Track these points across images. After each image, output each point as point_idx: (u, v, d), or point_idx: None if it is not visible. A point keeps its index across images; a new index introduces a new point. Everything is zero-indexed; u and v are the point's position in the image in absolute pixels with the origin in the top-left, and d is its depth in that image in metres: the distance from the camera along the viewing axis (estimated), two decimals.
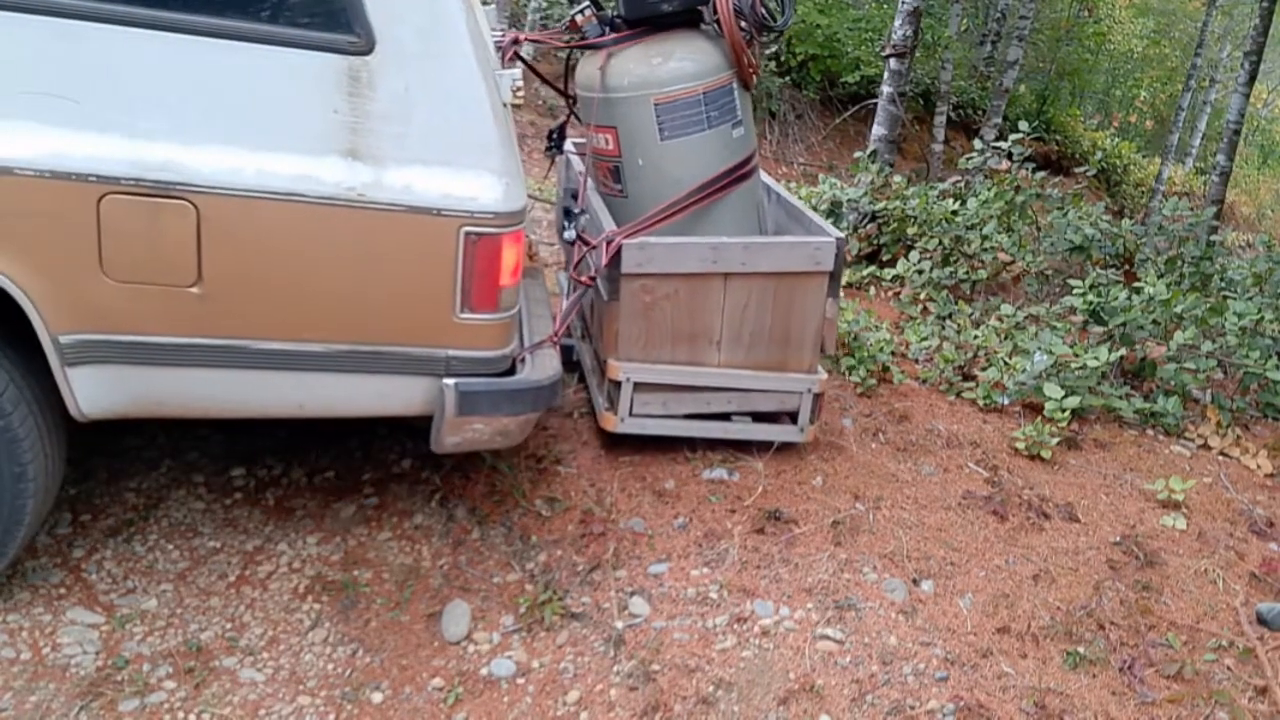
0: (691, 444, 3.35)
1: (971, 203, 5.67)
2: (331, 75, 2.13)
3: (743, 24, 3.15)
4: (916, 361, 4.53)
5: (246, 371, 2.25)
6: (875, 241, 5.90)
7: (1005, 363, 4.23)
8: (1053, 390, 3.93)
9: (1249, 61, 7.77)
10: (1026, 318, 4.79)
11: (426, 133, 2.19)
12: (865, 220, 5.96)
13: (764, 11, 3.16)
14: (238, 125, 2.12)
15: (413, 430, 3.18)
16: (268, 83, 2.13)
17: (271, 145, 2.13)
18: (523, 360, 2.49)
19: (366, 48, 2.13)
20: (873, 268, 5.70)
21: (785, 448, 3.40)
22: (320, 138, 2.15)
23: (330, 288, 2.23)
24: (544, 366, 2.46)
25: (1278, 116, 14.43)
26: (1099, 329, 4.51)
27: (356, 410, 2.43)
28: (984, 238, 5.45)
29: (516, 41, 3.08)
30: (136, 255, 2.11)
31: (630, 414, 3.16)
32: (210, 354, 2.21)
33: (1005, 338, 4.54)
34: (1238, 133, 8.06)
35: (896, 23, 6.74)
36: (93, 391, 2.19)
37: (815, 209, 5.93)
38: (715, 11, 3.16)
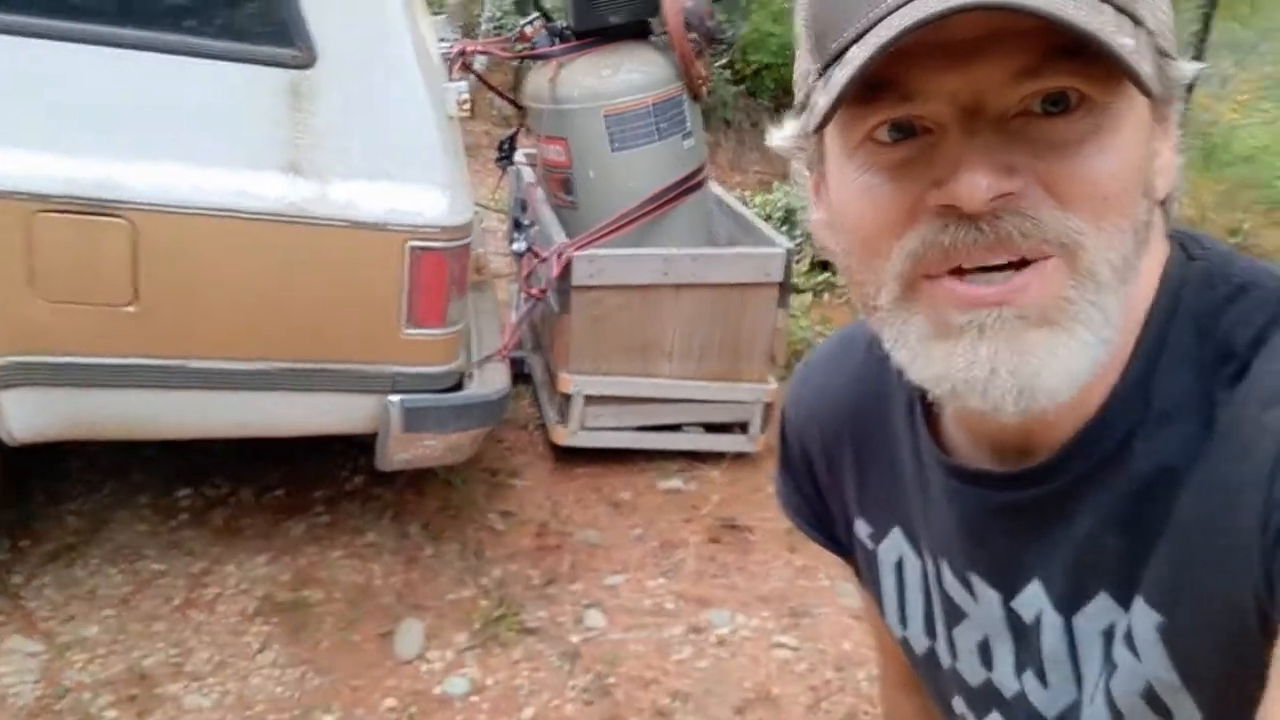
0: (648, 454, 3.34)
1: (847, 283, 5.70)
2: (272, 89, 2.10)
3: (692, 36, 3.16)
4: None
5: (185, 392, 2.21)
6: None
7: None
8: None
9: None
10: None
11: (370, 146, 2.17)
12: None
13: (713, 24, 3.17)
14: (176, 140, 2.09)
15: (365, 446, 3.14)
16: (206, 97, 2.10)
17: (211, 160, 2.10)
18: (471, 375, 2.47)
19: (308, 61, 2.10)
20: (827, 274, 5.73)
21: (741, 456, 3.40)
22: (261, 152, 2.12)
23: (272, 305, 2.20)
24: (492, 381, 2.45)
25: (1218, 121, 14.82)
26: None
27: (300, 429, 2.40)
28: None
29: (464, 53, 3.07)
30: (70, 274, 2.06)
31: (582, 427, 3.15)
32: (147, 375, 2.17)
33: None
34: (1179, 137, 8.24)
35: None
36: (25, 415, 2.14)
37: (770, 217, 5.96)
38: (664, 24, 3.17)
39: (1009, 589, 0.71)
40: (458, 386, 2.43)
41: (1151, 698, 0.62)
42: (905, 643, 0.84)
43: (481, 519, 2.97)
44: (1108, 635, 0.66)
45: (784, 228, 5.88)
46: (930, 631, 0.80)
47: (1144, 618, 0.62)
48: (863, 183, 0.59)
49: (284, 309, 2.21)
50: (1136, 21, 0.54)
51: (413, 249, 2.20)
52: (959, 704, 0.80)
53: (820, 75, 0.56)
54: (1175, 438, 0.61)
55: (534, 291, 3.04)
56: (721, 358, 3.22)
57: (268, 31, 2.10)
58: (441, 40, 3.30)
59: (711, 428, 3.35)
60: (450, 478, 3.09)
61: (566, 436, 3.17)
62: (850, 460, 0.84)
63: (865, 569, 0.86)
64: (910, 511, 0.79)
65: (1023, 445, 0.67)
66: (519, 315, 3.04)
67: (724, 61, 8.76)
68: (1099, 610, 0.66)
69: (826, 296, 5.57)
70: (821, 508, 0.90)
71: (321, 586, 2.63)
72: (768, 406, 3.31)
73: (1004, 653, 0.73)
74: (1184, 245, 0.66)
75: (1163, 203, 0.64)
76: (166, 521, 2.80)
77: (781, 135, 0.67)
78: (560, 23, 3.23)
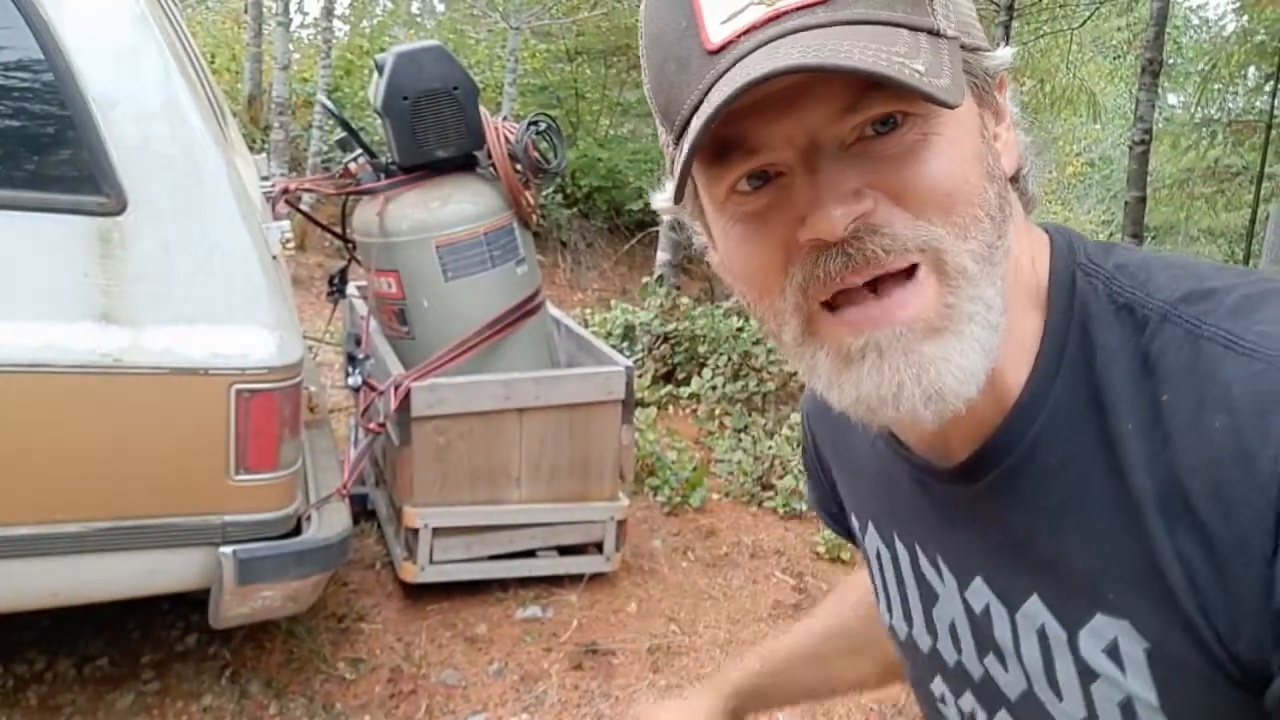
0: (503, 583, 3.26)
1: (754, 319, 5.93)
2: (80, 238, 2.03)
3: (518, 167, 3.24)
4: (718, 476, 4.64)
5: None
6: (670, 361, 6.06)
7: (800, 470, 4.39)
8: None
9: None
10: None
11: (189, 291, 2.11)
12: (658, 341, 6.13)
13: (537, 155, 3.26)
14: None
15: (198, 602, 2.95)
16: (9, 249, 2.00)
17: (13, 314, 1.99)
18: (309, 517, 2.37)
19: (117, 208, 2.04)
20: (669, 387, 5.84)
21: (598, 576, 3.37)
22: (70, 303, 2.03)
23: (88, 461, 2.07)
24: (332, 522, 2.36)
25: None
26: None
27: (121, 592, 2.24)
28: (769, 351, 5.70)
29: (287, 191, 3.04)
30: None
31: (431, 561, 3.06)
32: None
33: (798, 445, 4.72)
34: None
35: None
36: None
37: (610, 334, 6.06)
38: (490, 156, 3.24)
39: (962, 579, 0.75)
40: (296, 531, 2.33)
41: (1130, 713, 0.64)
42: (891, 630, 0.88)
43: (329, 669, 2.81)
44: (1041, 635, 0.68)
45: (624, 344, 5.99)
46: (908, 617, 0.84)
47: (1128, 638, 0.63)
48: (737, 232, 0.64)
49: (101, 465, 2.09)
50: (935, 33, 0.59)
51: (239, 392, 2.13)
52: (939, 685, 0.82)
53: (675, 145, 0.62)
54: (1093, 438, 0.64)
55: (372, 426, 2.97)
56: (570, 479, 3.21)
57: (74, 179, 2.04)
58: (264, 178, 3.27)
59: (566, 550, 3.31)
60: (293, 628, 2.92)
61: (415, 573, 3.06)
62: (836, 460, 0.92)
63: (863, 557, 0.92)
64: (880, 503, 0.85)
65: (955, 444, 0.71)
66: (358, 451, 2.96)
67: (555, 187, 8.99)
68: (1034, 611, 0.69)
69: (671, 409, 5.67)
70: (837, 501, 0.96)
71: None
72: (620, 524, 3.31)
73: (967, 637, 0.77)
74: (1071, 246, 0.70)
75: (1015, 180, 0.69)
76: None
77: (660, 198, 0.70)
78: (384, 158, 3.25)
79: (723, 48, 0.58)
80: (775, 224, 0.62)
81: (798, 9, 0.57)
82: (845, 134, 0.59)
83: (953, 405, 0.61)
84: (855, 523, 0.91)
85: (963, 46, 0.62)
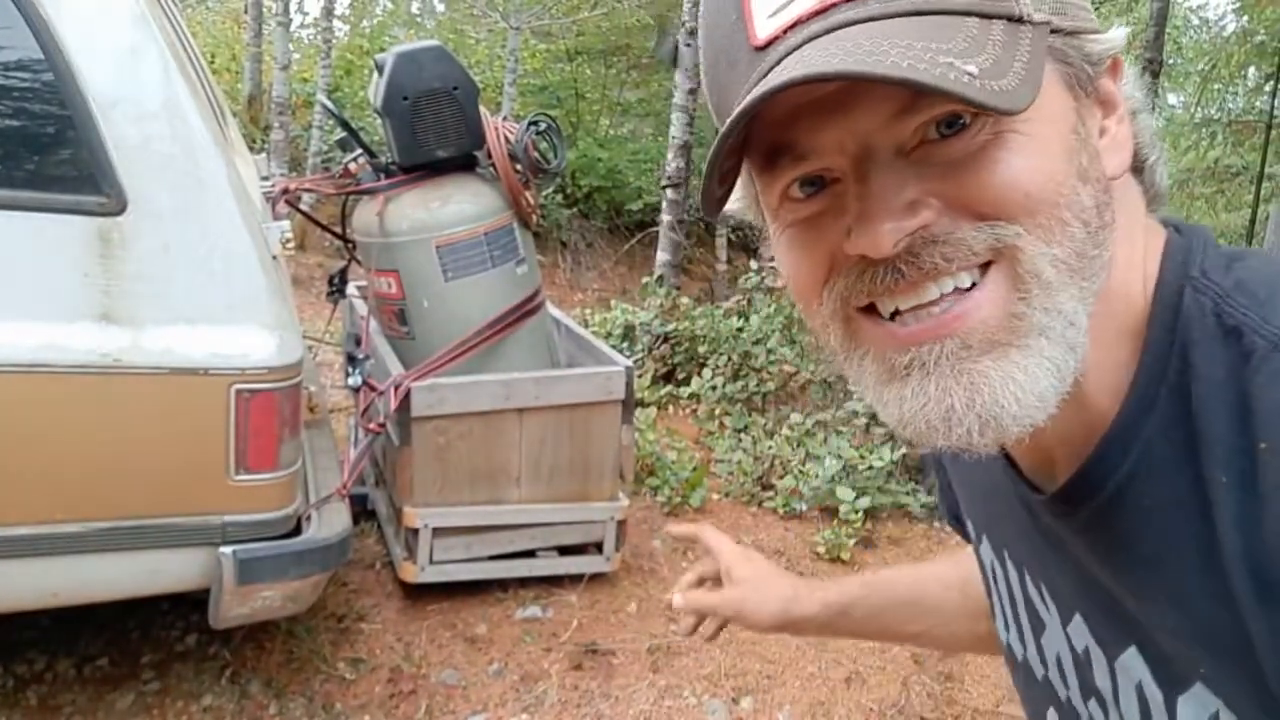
0: (503, 583, 3.26)
1: (754, 319, 5.95)
2: (80, 238, 2.02)
3: (518, 167, 3.24)
4: (718, 476, 4.63)
5: None
6: (670, 361, 6.06)
7: (800, 470, 4.39)
8: (845, 493, 4.10)
9: None
10: (815, 424, 5.00)
11: (189, 291, 2.11)
12: (658, 341, 6.13)
13: (537, 155, 3.26)
14: None
15: (198, 602, 2.95)
16: (9, 249, 2.00)
17: (12, 314, 1.99)
18: (309, 517, 2.37)
19: (118, 208, 2.04)
20: (670, 387, 5.84)
21: (598, 576, 3.37)
22: (69, 303, 2.03)
23: (87, 461, 2.07)
24: (333, 522, 2.36)
25: None
26: (881, 430, 4.76)
27: (121, 592, 2.24)
28: (769, 351, 5.70)
29: (286, 191, 3.04)
30: None
31: (431, 562, 3.06)
32: None
33: (797, 445, 4.72)
34: None
35: (669, 156, 7.11)
36: None
37: (610, 334, 6.06)
38: (490, 156, 3.24)
39: (1064, 614, 0.69)
40: (296, 531, 2.33)
41: None
42: (1008, 649, 0.82)
43: (329, 669, 2.81)
44: (1139, 692, 0.62)
45: (624, 344, 5.99)
46: (1022, 639, 0.78)
47: (1229, 715, 0.56)
48: (786, 239, 0.60)
49: (100, 465, 2.08)
50: (1016, 19, 0.52)
51: (239, 392, 2.13)
52: (1053, 715, 0.76)
53: None
54: (1188, 484, 0.55)
55: (372, 426, 2.97)
56: (570, 479, 3.21)
57: (74, 179, 2.03)
58: (264, 178, 3.27)
59: (566, 550, 3.31)
60: (293, 628, 2.92)
61: (415, 573, 3.06)
62: (954, 467, 0.86)
63: (979, 568, 0.85)
64: (991, 517, 0.78)
65: (1058, 467, 0.64)
66: (358, 451, 2.95)
67: (555, 187, 8.99)
68: (1133, 665, 0.63)
69: (671, 409, 5.67)
70: (960, 506, 0.89)
71: None
72: (620, 524, 3.31)
73: (1071, 675, 0.70)
74: (1188, 253, 0.60)
75: (1140, 172, 0.62)
76: None
77: (732, 200, 0.65)
78: (384, 158, 3.25)
79: (769, 44, 0.53)
80: (825, 231, 0.57)
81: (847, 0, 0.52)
82: (906, 138, 0.53)
83: (1012, 432, 0.53)
84: (971, 531, 0.85)
85: (1056, 30, 0.54)
